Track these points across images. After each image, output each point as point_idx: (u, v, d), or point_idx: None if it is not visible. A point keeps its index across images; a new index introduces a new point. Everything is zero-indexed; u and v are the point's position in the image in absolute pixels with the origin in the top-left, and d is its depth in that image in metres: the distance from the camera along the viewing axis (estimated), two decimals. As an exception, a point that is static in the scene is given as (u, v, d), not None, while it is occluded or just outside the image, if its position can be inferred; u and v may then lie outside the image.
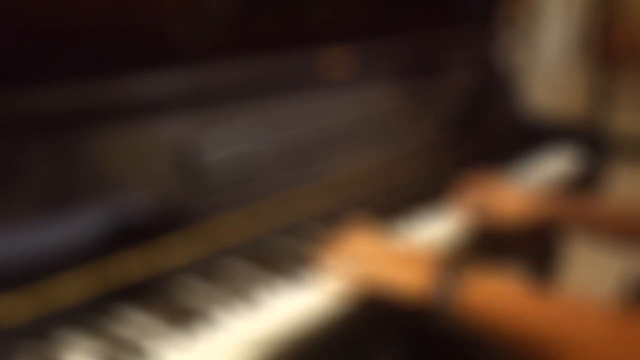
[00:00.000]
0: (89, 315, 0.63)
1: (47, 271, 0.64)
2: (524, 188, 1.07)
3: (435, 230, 0.92)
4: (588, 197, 1.00)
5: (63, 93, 0.71)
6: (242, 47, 0.92)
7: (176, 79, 0.82)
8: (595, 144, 1.36)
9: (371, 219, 0.87)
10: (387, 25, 1.21)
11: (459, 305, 0.66)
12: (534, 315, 0.63)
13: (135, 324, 0.63)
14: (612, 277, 1.01)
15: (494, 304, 0.65)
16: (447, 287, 0.67)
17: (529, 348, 0.62)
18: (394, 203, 0.97)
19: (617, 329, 0.59)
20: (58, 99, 0.71)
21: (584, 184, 1.33)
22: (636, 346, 0.56)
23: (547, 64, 3.05)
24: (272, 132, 0.93)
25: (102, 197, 0.72)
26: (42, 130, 0.69)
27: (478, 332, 0.66)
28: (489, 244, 1.00)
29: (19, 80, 0.68)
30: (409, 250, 0.77)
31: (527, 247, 1.46)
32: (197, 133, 0.83)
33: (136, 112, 0.78)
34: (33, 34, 0.70)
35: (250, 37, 0.94)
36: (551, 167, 1.25)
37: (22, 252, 0.65)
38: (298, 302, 0.69)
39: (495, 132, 1.41)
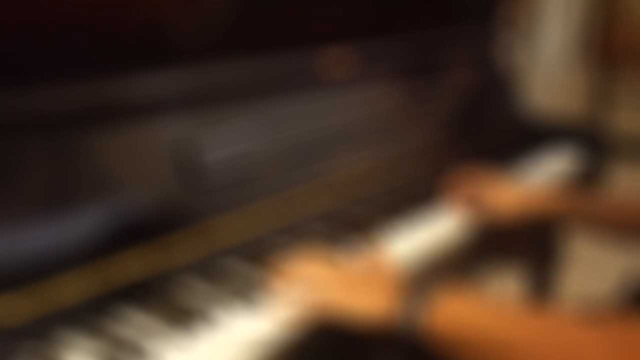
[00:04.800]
0: (89, 315, 0.63)
1: (47, 271, 0.64)
2: (521, 184, 1.07)
3: (435, 230, 0.92)
4: (588, 193, 0.99)
5: (63, 93, 0.71)
6: (242, 47, 0.92)
7: (176, 79, 0.82)
8: (595, 144, 1.36)
9: (323, 244, 0.81)
10: (387, 25, 1.21)
11: (428, 328, 0.62)
12: (510, 333, 0.60)
13: (135, 324, 0.63)
14: (613, 275, 1.01)
15: (466, 324, 0.61)
16: (413, 309, 0.63)
17: None
18: (394, 203, 0.97)
19: (603, 340, 0.56)
20: (58, 99, 0.71)
21: (584, 183, 1.33)
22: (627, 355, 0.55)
23: (547, 64, 3.05)
24: (272, 132, 0.93)
25: (102, 197, 0.72)
26: (42, 130, 0.69)
27: (448, 353, 0.63)
28: (489, 242, 1.00)
29: (19, 80, 0.68)
30: (367, 271, 0.72)
31: (528, 244, 1.46)
32: (197, 133, 0.83)
33: (136, 112, 0.78)
34: (33, 33, 0.70)
35: (250, 37, 0.94)
36: (551, 167, 1.25)
37: (22, 252, 0.65)
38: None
39: (495, 132, 1.41)
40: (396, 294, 0.65)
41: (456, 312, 0.63)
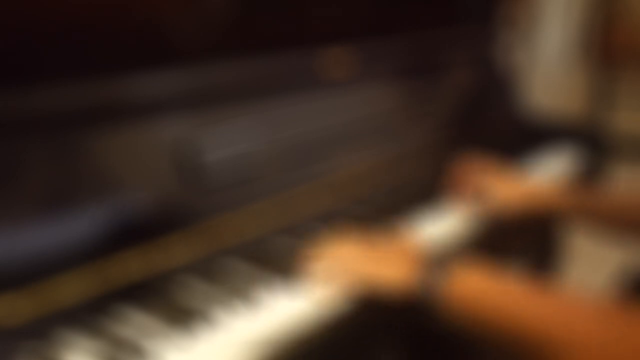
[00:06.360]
0: (89, 315, 0.63)
1: (47, 271, 0.64)
2: (526, 177, 1.07)
3: (435, 228, 0.92)
4: (588, 189, 1.00)
5: (63, 93, 0.71)
6: (242, 47, 0.92)
7: (176, 79, 0.82)
8: (595, 144, 1.36)
9: (353, 226, 0.85)
10: (387, 25, 1.21)
11: (445, 300, 0.65)
12: (524, 310, 0.62)
13: (135, 324, 0.63)
14: (611, 269, 1.01)
15: (482, 298, 0.64)
16: (431, 281, 0.67)
17: (520, 344, 0.61)
18: (394, 203, 0.97)
19: (611, 325, 0.58)
20: (58, 99, 0.71)
21: (584, 183, 1.33)
22: (631, 343, 0.56)
23: (547, 64, 3.05)
24: (272, 132, 0.93)
25: (102, 197, 0.72)
26: (43, 130, 0.69)
27: (466, 327, 0.65)
28: (489, 242, 1.00)
29: (19, 80, 0.68)
30: (393, 246, 0.76)
31: (527, 238, 1.46)
32: (197, 133, 0.83)
33: (136, 112, 0.78)
34: (33, 33, 0.70)
35: (250, 37, 0.94)
36: (551, 167, 1.25)
37: (22, 252, 0.65)
38: (297, 302, 0.69)
39: (495, 132, 1.41)
40: (416, 266, 0.69)
41: (473, 286, 0.66)
